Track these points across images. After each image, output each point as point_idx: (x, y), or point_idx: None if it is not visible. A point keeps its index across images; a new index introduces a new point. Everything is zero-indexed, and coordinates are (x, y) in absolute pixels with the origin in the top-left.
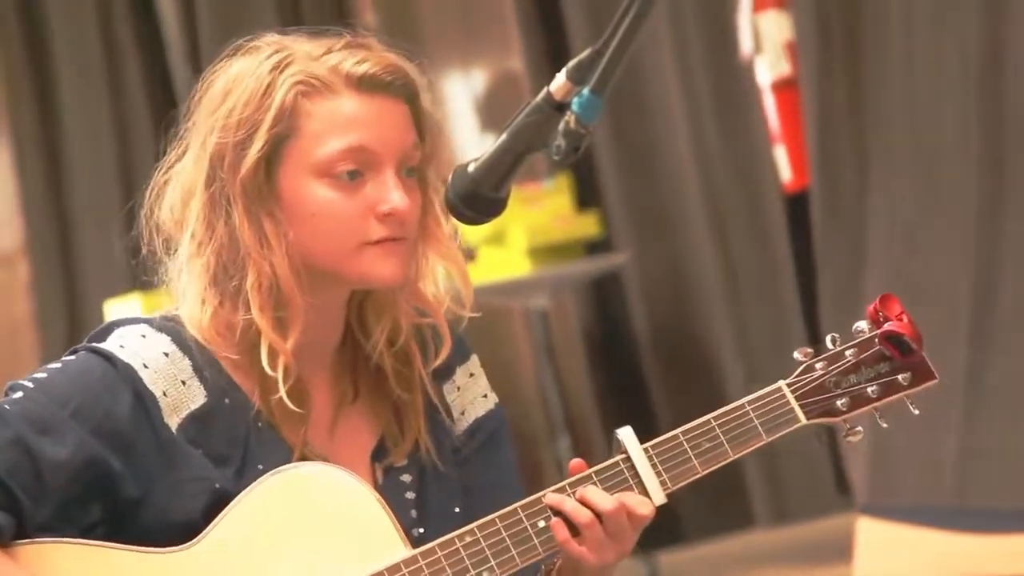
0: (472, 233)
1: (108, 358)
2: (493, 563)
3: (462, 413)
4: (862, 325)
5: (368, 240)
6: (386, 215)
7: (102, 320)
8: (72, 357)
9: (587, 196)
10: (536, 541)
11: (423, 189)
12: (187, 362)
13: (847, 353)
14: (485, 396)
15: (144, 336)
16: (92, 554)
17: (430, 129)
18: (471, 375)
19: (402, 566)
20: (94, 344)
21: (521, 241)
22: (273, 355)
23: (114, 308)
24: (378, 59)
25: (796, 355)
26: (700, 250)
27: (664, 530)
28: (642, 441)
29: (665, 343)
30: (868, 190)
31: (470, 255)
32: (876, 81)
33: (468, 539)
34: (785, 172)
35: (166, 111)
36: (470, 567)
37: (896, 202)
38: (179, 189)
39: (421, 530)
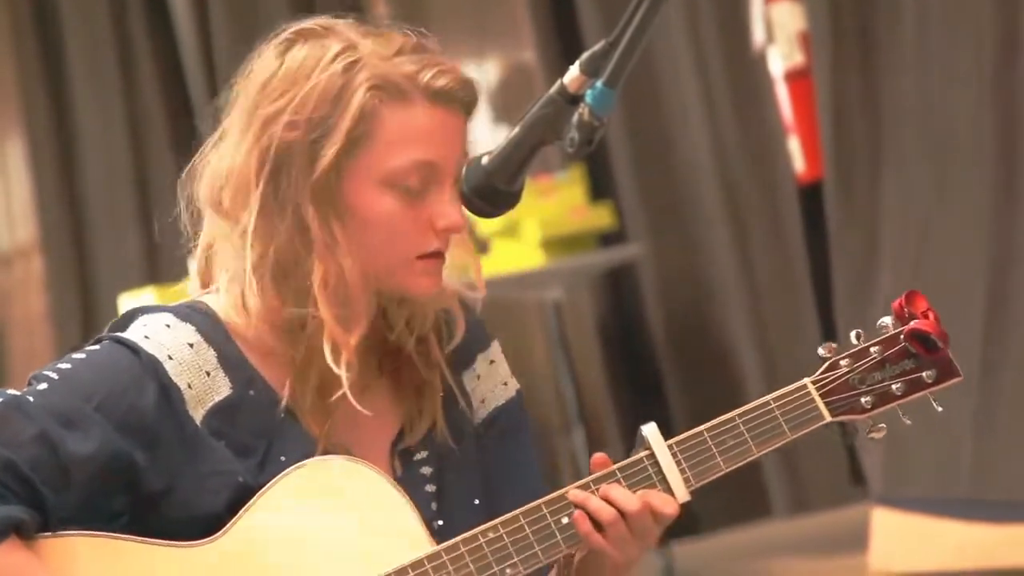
0: (485, 225)
1: (133, 349)
2: (516, 559)
3: (482, 402)
4: (886, 321)
5: (422, 253)
6: (443, 230)
7: (116, 315)
8: (96, 347)
9: (600, 187)
10: (560, 537)
11: None
12: (212, 353)
13: (872, 350)
14: (505, 384)
15: (169, 326)
16: (115, 547)
17: None
18: (491, 362)
19: (425, 562)
20: (118, 334)
21: (534, 233)
22: (336, 351)
23: (128, 302)
24: (453, 72)
25: (820, 351)
26: (714, 240)
27: (679, 521)
28: (664, 436)
29: (679, 334)
30: (882, 181)
31: (484, 247)
32: (889, 71)
33: (491, 535)
34: (798, 163)
35: (179, 108)
36: (493, 563)
37: (910, 193)
38: (223, 175)
39: (441, 522)
